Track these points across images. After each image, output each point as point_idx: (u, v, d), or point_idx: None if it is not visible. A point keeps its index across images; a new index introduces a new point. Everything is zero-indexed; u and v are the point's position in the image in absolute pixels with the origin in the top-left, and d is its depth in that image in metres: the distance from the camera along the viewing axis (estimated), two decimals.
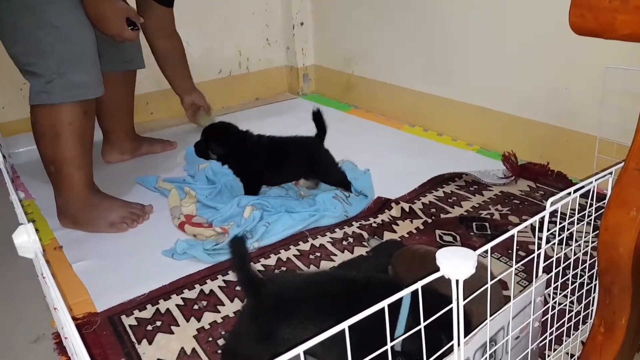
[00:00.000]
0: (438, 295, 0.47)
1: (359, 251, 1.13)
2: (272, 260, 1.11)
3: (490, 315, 0.53)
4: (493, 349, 0.57)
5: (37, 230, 0.52)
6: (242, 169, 1.34)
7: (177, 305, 0.98)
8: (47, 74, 1.14)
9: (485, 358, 0.55)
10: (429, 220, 1.22)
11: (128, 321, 0.95)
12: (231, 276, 1.06)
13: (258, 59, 2.33)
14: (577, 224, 0.68)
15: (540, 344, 0.70)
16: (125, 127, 1.69)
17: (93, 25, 1.21)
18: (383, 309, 0.40)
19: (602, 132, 1.23)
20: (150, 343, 0.89)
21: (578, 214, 0.66)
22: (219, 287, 1.03)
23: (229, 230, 1.18)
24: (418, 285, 0.43)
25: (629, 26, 0.50)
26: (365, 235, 1.18)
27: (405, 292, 0.42)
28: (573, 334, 0.77)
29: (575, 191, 0.62)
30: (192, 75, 2.13)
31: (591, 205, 0.68)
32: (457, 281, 0.43)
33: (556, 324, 0.71)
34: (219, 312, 0.96)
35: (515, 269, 1.00)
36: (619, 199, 0.59)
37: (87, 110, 1.21)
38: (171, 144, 1.79)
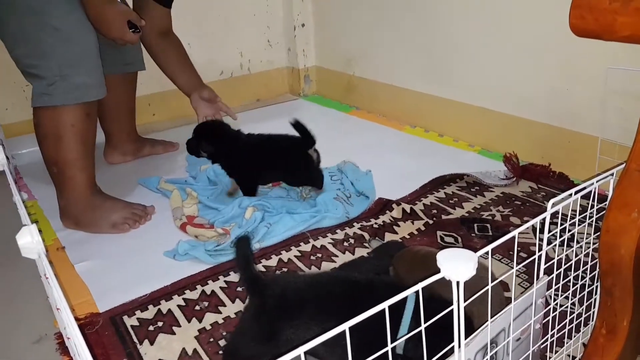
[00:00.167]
0: (442, 302, 0.47)
1: (360, 252, 1.13)
2: (273, 261, 1.11)
3: (491, 317, 0.53)
4: (494, 351, 0.57)
5: (40, 231, 0.52)
6: (231, 168, 1.35)
7: (179, 306, 0.98)
8: (49, 76, 1.14)
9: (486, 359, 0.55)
10: (430, 222, 1.22)
11: (130, 322, 0.95)
12: (232, 277, 1.06)
13: (259, 60, 2.33)
14: (579, 225, 0.68)
15: (542, 346, 0.70)
16: (127, 129, 1.69)
17: (94, 28, 1.21)
18: (385, 310, 0.40)
19: (604, 133, 1.23)
20: (152, 343, 0.89)
21: (579, 215, 0.66)
22: (220, 288, 1.03)
23: (231, 231, 1.18)
24: (419, 286, 0.43)
25: (629, 28, 0.50)
26: (367, 236, 1.18)
27: (406, 294, 0.42)
28: (574, 336, 0.77)
29: (576, 192, 0.62)
30: None
31: (592, 206, 0.68)
32: (457, 283, 0.43)
33: (557, 325, 0.71)
34: (220, 312, 0.96)
35: (517, 270, 1.00)
36: (620, 200, 0.59)
37: (90, 112, 1.21)
38: (173, 145, 1.79)
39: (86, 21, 1.18)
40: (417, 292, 0.42)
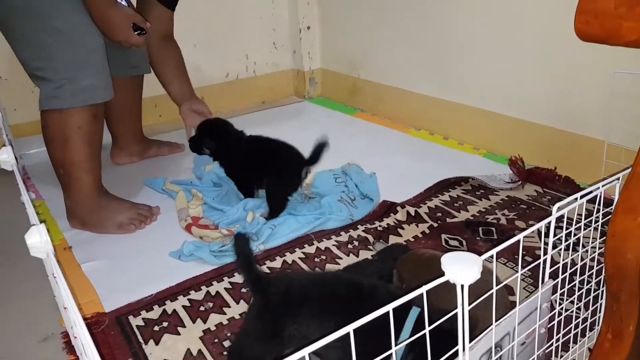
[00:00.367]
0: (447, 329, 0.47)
1: (364, 255, 1.13)
2: (277, 263, 1.11)
3: (496, 321, 0.53)
4: (498, 355, 0.57)
5: (47, 230, 0.53)
6: (229, 167, 1.36)
7: (184, 306, 0.99)
8: (57, 79, 1.15)
9: None
10: (435, 225, 1.22)
11: (135, 321, 0.95)
12: (237, 278, 1.07)
13: (265, 62, 2.34)
14: (584, 229, 0.68)
15: (547, 351, 0.70)
16: (134, 130, 1.70)
17: (100, 31, 1.21)
18: (384, 317, 0.40)
19: (610, 136, 1.23)
20: (157, 343, 0.90)
21: (585, 219, 0.66)
22: (225, 288, 1.03)
23: (235, 232, 1.19)
24: (423, 289, 0.43)
25: (635, 33, 0.50)
26: (371, 238, 1.18)
27: (404, 300, 0.42)
28: (580, 341, 0.77)
29: (582, 196, 0.62)
30: (200, 79, 2.14)
31: (598, 210, 0.67)
32: (462, 286, 0.43)
33: (563, 330, 0.71)
34: (224, 313, 0.96)
35: (522, 274, 1.00)
36: (627, 204, 0.58)
37: (96, 114, 1.22)
38: (179, 146, 1.80)
39: (92, 23, 1.19)
40: (421, 309, 0.42)
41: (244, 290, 1.02)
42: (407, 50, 1.89)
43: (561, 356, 0.77)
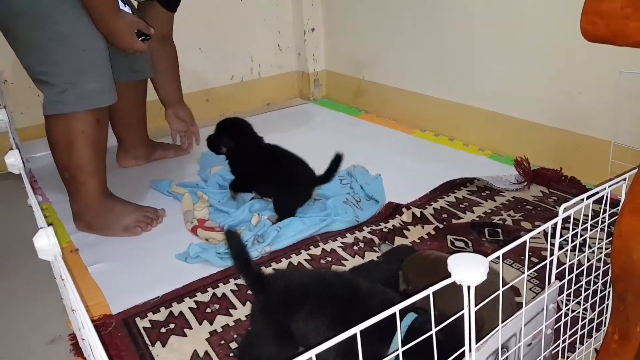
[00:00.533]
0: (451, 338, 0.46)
1: (370, 256, 1.13)
2: (283, 265, 1.12)
3: (502, 322, 0.53)
4: (505, 356, 0.56)
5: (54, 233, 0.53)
6: (239, 166, 1.35)
7: (190, 308, 0.99)
8: (60, 84, 1.15)
9: None
10: (441, 226, 1.22)
11: (142, 323, 0.96)
12: (243, 280, 1.07)
13: (269, 64, 2.34)
14: (591, 230, 0.68)
15: (553, 352, 0.69)
16: (139, 133, 1.70)
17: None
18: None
19: (616, 137, 1.22)
20: (163, 345, 0.90)
21: (591, 220, 0.66)
22: (231, 290, 1.04)
23: (241, 234, 1.19)
24: (429, 291, 0.43)
25: None
26: (376, 240, 1.18)
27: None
28: (586, 342, 0.77)
29: (588, 197, 0.62)
30: (205, 81, 2.15)
31: (605, 211, 0.67)
32: (468, 287, 0.43)
33: (569, 331, 0.71)
34: (231, 315, 0.97)
35: (528, 275, 0.99)
36: (633, 205, 0.58)
37: (100, 118, 1.22)
38: (184, 149, 1.80)
39: (95, 27, 1.18)
40: (416, 314, 0.42)
41: (250, 292, 1.03)
42: (412, 51, 1.89)
43: (568, 357, 0.76)
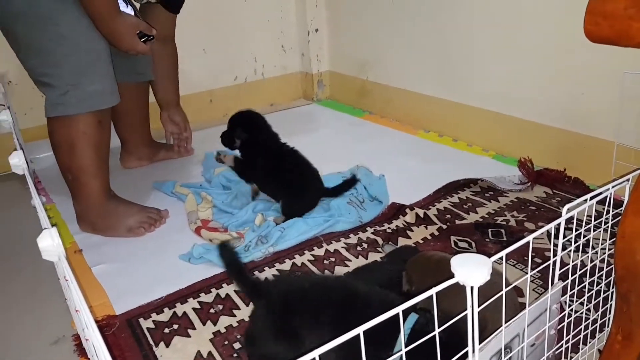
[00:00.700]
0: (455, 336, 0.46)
1: (374, 257, 1.13)
2: (287, 265, 1.12)
3: (506, 322, 0.53)
4: (508, 356, 0.56)
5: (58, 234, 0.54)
6: (248, 160, 1.34)
7: (194, 309, 0.99)
8: (62, 85, 1.14)
9: None
10: (444, 227, 1.22)
11: (146, 324, 0.96)
12: (240, 288, 1.07)
13: (273, 65, 2.35)
14: (594, 230, 0.68)
15: (556, 352, 0.69)
16: (142, 134, 1.71)
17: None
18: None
19: (620, 138, 1.22)
20: (167, 346, 0.90)
21: (595, 220, 0.66)
22: (234, 291, 1.04)
23: (245, 235, 1.19)
24: (433, 291, 0.43)
25: None
26: (380, 241, 1.18)
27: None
28: (590, 342, 0.77)
29: (592, 198, 0.62)
30: (209, 82, 2.15)
31: (608, 212, 0.67)
32: (472, 288, 0.43)
33: (572, 331, 0.70)
34: (234, 315, 0.97)
35: (531, 275, 0.99)
36: (637, 205, 0.58)
37: (102, 120, 1.21)
38: (187, 150, 1.81)
39: (95, 28, 1.18)
40: (418, 314, 0.42)
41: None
42: (416, 52, 1.89)
43: (571, 357, 0.76)
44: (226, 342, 0.90)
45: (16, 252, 1.27)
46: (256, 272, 1.10)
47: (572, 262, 0.64)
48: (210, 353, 0.88)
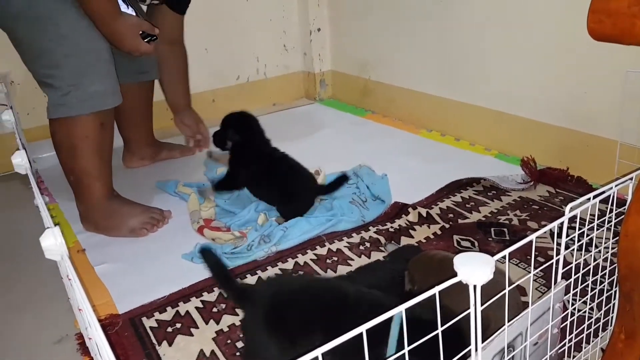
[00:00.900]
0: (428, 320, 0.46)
1: (376, 256, 1.13)
2: (289, 265, 1.12)
3: (509, 321, 0.53)
4: (511, 355, 0.56)
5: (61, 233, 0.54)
6: (239, 163, 1.32)
7: (197, 308, 1.00)
8: (63, 86, 1.14)
9: None
10: (447, 226, 1.22)
11: (149, 323, 0.96)
12: (249, 279, 1.07)
13: (275, 64, 2.35)
14: (597, 229, 0.68)
15: (559, 351, 0.69)
16: (145, 134, 1.71)
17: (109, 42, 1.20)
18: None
19: (623, 136, 1.22)
20: (170, 345, 0.91)
21: (598, 219, 0.66)
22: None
23: (247, 234, 1.20)
24: (435, 290, 0.43)
25: None
26: (383, 240, 1.18)
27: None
28: (593, 341, 0.77)
29: (595, 197, 0.61)
30: (211, 82, 2.15)
31: (611, 210, 0.67)
32: (474, 287, 0.43)
33: (575, 330, 0.70)
34: (237, 314, 0.97)
35: (534, 274, 0.99)
36: None
37: (104, 121, 1.21)
38: (190, 149, 1.81)
39: (96, 28, 1.17)
40: (404, 313, 0.41)
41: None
42: (418, 51, 1.88)
43: (574, 356, 0.76)
44: (229, 341, 0.90)
45: (19, 251, 1.28)
46: (259, 272, 1.10)
47: (575, 261, 0.64)
48: (213, 352, 0.88)
